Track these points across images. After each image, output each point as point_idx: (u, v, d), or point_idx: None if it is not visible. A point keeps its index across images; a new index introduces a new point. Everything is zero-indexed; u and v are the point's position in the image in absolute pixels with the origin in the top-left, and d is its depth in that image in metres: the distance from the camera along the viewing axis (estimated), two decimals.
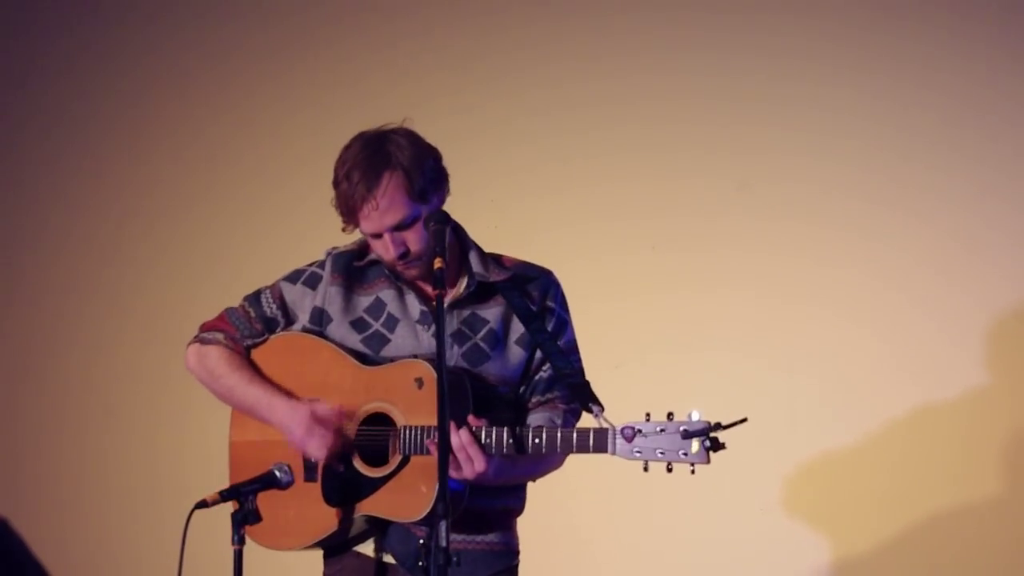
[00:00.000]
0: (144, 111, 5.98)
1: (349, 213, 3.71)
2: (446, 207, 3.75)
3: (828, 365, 5.22)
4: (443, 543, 3.32)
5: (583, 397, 3.65)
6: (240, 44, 5.91)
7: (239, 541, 3.55)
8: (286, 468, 3.67)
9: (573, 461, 3.86)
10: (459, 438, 3.57)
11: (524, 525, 3.89)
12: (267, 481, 3.64)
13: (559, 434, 3.58)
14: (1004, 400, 5.10)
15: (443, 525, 3.33)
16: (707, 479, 5.12)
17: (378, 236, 3.72)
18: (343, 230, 3.80)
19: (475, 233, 3.89)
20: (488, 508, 3.75)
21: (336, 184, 3.72)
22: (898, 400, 5.16)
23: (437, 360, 3.47)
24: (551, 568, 5.28)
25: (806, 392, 5.22)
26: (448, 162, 3.83)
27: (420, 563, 3.66)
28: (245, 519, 3.57)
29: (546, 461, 3.80)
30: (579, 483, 5.09)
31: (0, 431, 6.01)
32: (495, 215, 5.38)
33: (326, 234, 3.95)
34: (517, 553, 3.86)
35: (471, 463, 3.57)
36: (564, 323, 3.87)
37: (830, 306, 5.24)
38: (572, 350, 3.86)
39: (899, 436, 5.16)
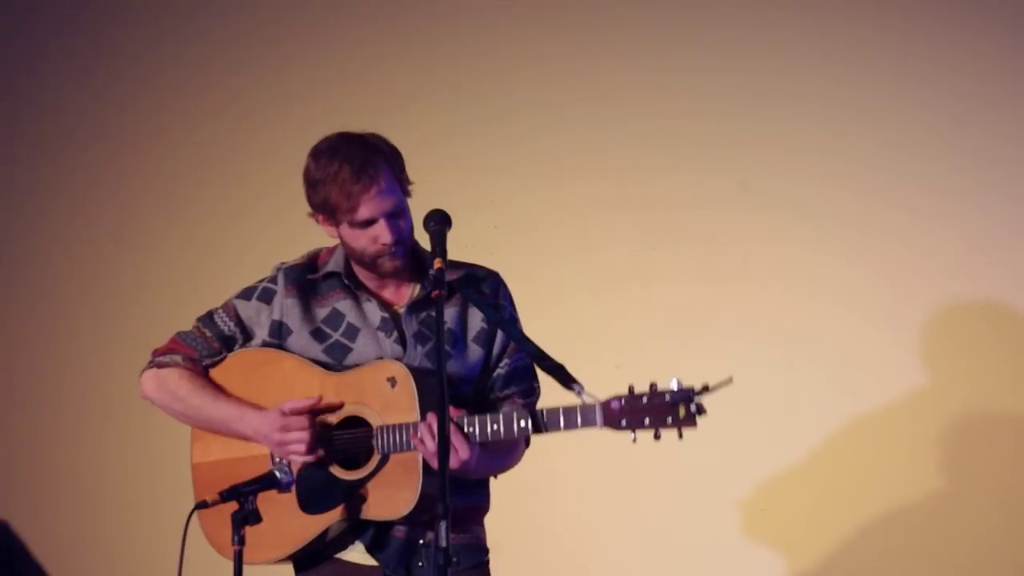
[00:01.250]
0: (142, 112, 5.97)
1: (348, 200, 3.70)
2: (446, 207, 3.75)
3: (829, 361, 5.22)
4: (443, 543, 3.32)
5: (562, 378, 3.63)
6: (237, 44, 5.90)
7: (239, 541, 3.54)
8: (286, 468, 3.66)
9: (562, 460, 3.85)
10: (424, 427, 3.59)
11: (518, 523, 3.88)
12: (267, 481, 3.63)
13: (545, 413, 3.60)
14: (1005, 394, 5.11)
15: (443, 525, 3.33)
16: (707, 477, 5.15)
17: (370, 223, 3.73)
18: (321, 218, 3.79)
19: (475, 233, 3.89)
20: (459, 506, 3.72)
21: (324, 178, 3.73)
22: (900, 395, 5.16)
23: (437, 361, 3.49)
24: (546, 568, 5.29)
25: (807, 389, 5.22)
26: (448, 159, 3.84)
27: (420, 564, 3.68)
28: (245, 519, 3.56)
29: (513, 452, 3.85)
30: (571, 483, 5.10)
31: (1, 433, 6.00)
32: (495, 215, 5.39)
33: (321, 234, 3.96)
34: (487, 550, 3.87)
35: (455, 452, 3.58)
36: (515, 320, 3.90)
37: (831, 303, 5.23)
38: None
39: (901, 431, 5.16)
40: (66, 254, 6.01)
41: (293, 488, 3.71)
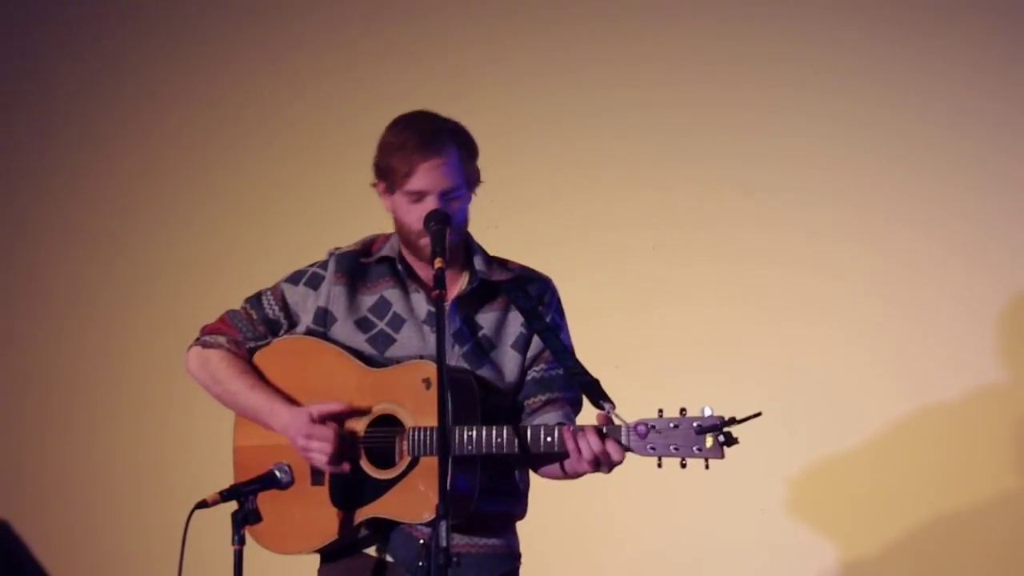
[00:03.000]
0: (154, 113, 5.97)
1: (406, 164, 3.69)
2: None
3: (827, 368, 5.22)
4: (443, 543, 3.32)
5: (594, 395, 3.64)
6: (251, 44, 5.90)
7: (239, 541, 3.54)
8: (286, 468, 3.66)
9: None
10: (588, 443, 3.55)
11: (530, 527, 3.88)
12: (266, 481, 3.63)
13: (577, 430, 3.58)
14: (998, 403, 5.12)
15: (443, 525, 3.33)
16: (707, 481, 5.15)
17: (423, 197, 3.71)
18: (382, 187, 3.77)
19: (474, 232, 3.89)
20: (490, 512, 3.73)
21: (391, 143, 3.73)
22: (895, 404, 5.18)
23: (437, 360, 3.48)
24: (556, 570, 5.29)
25: (805, 393, 5.23)
26: None
27: (420, 564, 3.68)
28: (245, 519, 3.56)
29: None
30: (582, 486, 5.09)
31: (1, 433, 6.00)
32: (495, 215, 5.38)
33: (333, 235, 3.96)
34: (519, 556, 3.85)
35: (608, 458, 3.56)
36: (560, 327, 3.87)
37: (828, 310, 5.25)
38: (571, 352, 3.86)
39: (895, 440, 5.17)
40: (72, 253, 6.01)
41: (325, 481, 3.72)
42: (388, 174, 3.74)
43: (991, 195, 5.17)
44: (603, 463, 3.56)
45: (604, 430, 3.55)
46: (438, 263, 3.59)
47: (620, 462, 3.57)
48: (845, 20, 5.30)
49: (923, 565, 5.14)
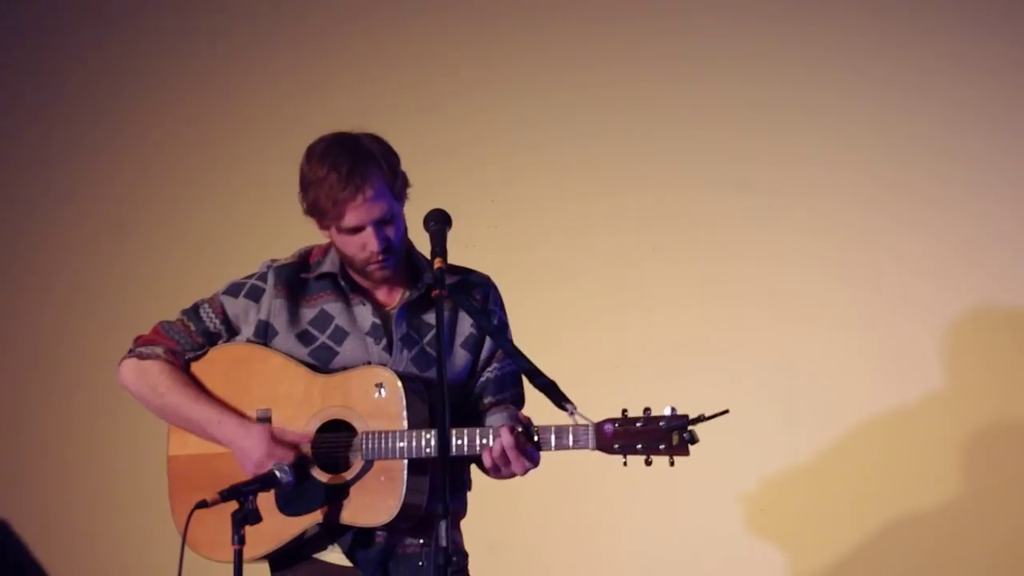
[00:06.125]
0: (154, 113, 5.98)
1: (334, 206, 3.68)
2: (446, 207, 3.74)
3: (827, 368, 5.22)
4: (443, 543, 3.32)
5: (554, 395, 3.61)
6: (249, 44, 5.91)
7: (239, 541, 3.53)
8: (286, 468, 3.65)
9: (557, 457, 3.84)
10: (502, 442, 3.58)
11: (529, 526, 3.88)
12: (267, 481, 3.63)
13: (537, 431, 3.59)
14: (1000, 402, 5.12)
15: (443, 525, 3.33)
16: (707, 481, 5.15)
17: (358, 230, 3.71)
18: (323, 227, 3.77)
19: (475, 232, 3.89)
20: (434, 512, 3.64)
21: (313, 182, 3.71)
22: (895, 404, 5.17)
23: (437, 360, 3.49)
24: (554, 569, 5.28)
25: (805, 393, 5.23)
26: (449, 160, 3.83)
27: (419, 562, 3.70)
28: (245, 519, 3.55)
29: None
30: (567, 487, 5.10)
31: (1, 433, 6.01)
32: (495, 215, 5.39)
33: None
34: (466, 554, 3.85)
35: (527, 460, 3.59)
36: (505, 325, 3.88)
37: (828, 310, 5.25)
38: None
39: (896, 439, 5.17)
40: (72, 254, 6.02)
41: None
42: (317, 212, 3.74)
43: (991, 195, 5.17)
44: (511, 459, 3.57)
45: (519, 430, 3.58)
46: (437, 263, 3.58)
47: (530, 458, 3.58)
48: (844, 19, 5.30)
49: (925, 563, 5.14)
